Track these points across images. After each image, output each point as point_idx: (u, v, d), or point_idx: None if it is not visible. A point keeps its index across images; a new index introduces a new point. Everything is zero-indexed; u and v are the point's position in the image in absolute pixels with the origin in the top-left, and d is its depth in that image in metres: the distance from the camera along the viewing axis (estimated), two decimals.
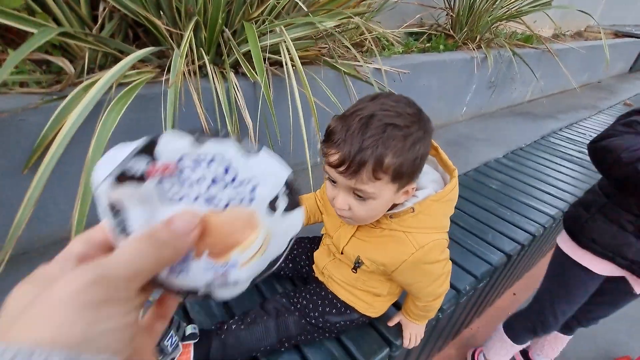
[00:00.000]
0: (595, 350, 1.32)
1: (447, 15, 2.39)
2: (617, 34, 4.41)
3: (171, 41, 1.03)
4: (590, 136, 2.15)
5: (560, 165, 1.74)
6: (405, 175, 0.54)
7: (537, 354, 1.16)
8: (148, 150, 0.19)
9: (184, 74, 0.97)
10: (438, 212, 0.63)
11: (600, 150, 0.75)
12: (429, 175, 0.67)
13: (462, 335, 1.34)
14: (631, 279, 0.85)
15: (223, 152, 0.21)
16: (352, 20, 1.49)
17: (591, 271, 0.87)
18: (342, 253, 0.73)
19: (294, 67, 1.03)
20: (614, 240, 0.80)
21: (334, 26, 1.24)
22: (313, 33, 1.13)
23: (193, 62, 1.02)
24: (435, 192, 0.63)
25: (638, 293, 0.86)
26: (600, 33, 4.51)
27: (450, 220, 0.67)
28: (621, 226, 0.78)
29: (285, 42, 1.03)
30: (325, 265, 0.81)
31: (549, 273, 0.96)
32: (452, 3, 2.24)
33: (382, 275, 0.73)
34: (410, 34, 2.33)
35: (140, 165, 0.19)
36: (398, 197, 0.59)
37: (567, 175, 1.64)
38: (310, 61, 1.28)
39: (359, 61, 1.57)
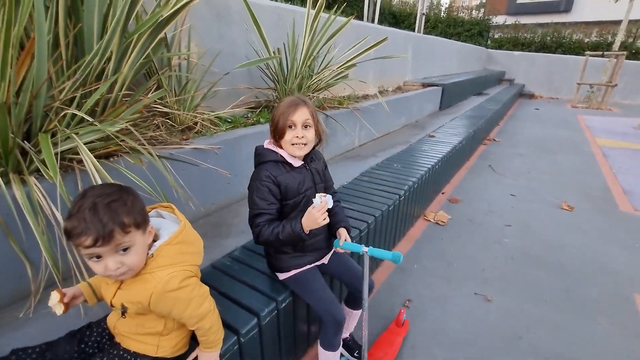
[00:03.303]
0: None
1: (275, 93, 2.96)
2: (424, 85, 5.82)
3: None
4: (397, 165, 2.79)
5: (369, 197, 2.25)
6: (142, 222, 0.81)
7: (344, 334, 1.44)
8: None
9: None
10: (172, 253, 0.87)
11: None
12: (168, 229, 0.92)
13: None
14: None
15: None
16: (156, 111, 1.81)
17: (307, 268, 1.25)
18: (112, 306, 0.90)
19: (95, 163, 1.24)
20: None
21: (131, 122, 1.52)
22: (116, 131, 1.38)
23: None
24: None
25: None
26: (414, 85, 5.89)
27: None
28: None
29: (78, 146, 1.25)
30: (115, 325, 0.96)
31: (300, 293, 1.24)
32: (275, 83, 2.81)
33: (150, 314, 0.92)
34: (252, 108, 2.80)
35: None
36: (146, 237, 0.84)
37: (377, 196, 2.15)
38: (112, 154, 1.52)
39: (179, 144, 1.89)
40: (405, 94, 4.79)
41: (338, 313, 1.19)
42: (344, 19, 3.13)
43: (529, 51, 11.70)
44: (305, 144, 1.14)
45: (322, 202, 1.07)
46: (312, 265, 1.29)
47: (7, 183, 1.23)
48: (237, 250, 1.59)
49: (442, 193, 3.42)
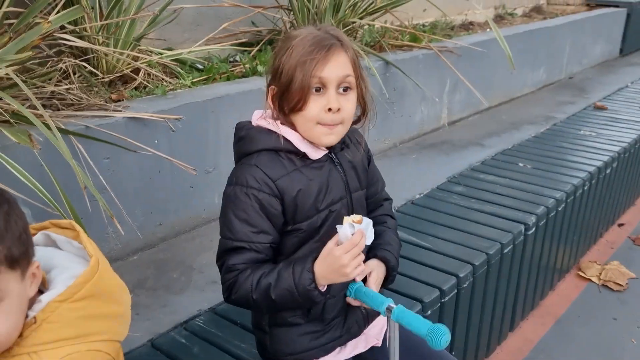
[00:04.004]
0: None
1: (288, 16, 2.98)
2: (590, 4, 5.66)
3: None
4: (523, 165, 2.73)
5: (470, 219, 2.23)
6: (21, 256, 0.83)
7: None
8: None
9: None
10: (70, 316, 0.90)
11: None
12: (66, 271, 0.96)
13: None
14: None
15: None
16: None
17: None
18: None
19: None
20: None
21: (17, 66, 1.60)
22: None
23: None
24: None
25: None
26: (569, 5, 5.76)
27: None
28: None
29: None
30: None
31: None
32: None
33: None
34: (243, 45, 2.85)
35: None
36: (27, 285, 0.87)
37: (480, 224, 2.14)
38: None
39: (104, 108, 1.96)
40: (549, 22, 4.68)
41: None
42: None
43: None
44: (340, 123, 1.17)
45: (354, 234, 1.08)
46: (348, 351, 1.31)
47: None
48: (200, 315, 1.62)
49: (619, 225, 3.36)
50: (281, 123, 1.18)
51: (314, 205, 1.19)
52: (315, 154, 1.20)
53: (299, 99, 1.12)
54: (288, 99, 1.14)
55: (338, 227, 1.09)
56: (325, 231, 1.20)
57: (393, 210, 1.51)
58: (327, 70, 1.11)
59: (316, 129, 1.15)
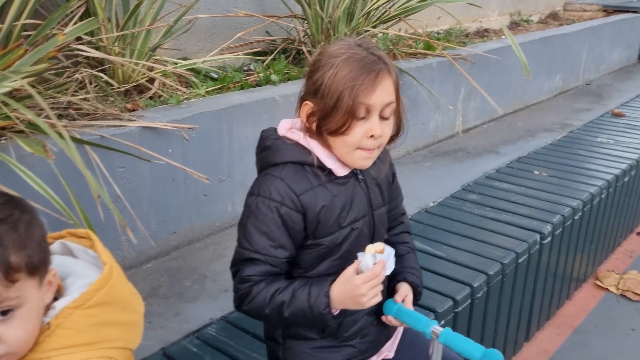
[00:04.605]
0: None
1: (302, 25, 3.00)
2: (608, 10, 5.61)
3: None
4: (539, 172, 2.71)
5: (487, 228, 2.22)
6: (40, 264, 0.85)
7: None
8: None
9: None
10: (83, 323, 0.91)
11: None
12: (81, 278, 0.96)
13: None
14: None
15: None
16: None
17: None
18: None
19: None
20: None
21: (34, 78, 1.62)
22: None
23: None
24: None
25: None
26: (585, 11, 5.71)
27: None
28: None
29: None
30: None
31: None
32: (304, 7, 2.86)
33: None
34: (257, 54, 2.87)
35: None
36: (44, 292, 0.89)
37: (494, 233, 2.14)
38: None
39: (119, 118, 1.98)
40: (565, 29, 4.65)
41: None
42: None
43: None
44: (378, 147, 1.16)
45: (376, 264, 1.08)
46: None
47: None
48: (212, 324, 1.63)
49: (638, 234, 3.33)
50: (309, 137, 1.16)
51: (337, 221, 1.18)
52: (341, 171, 1.18)
53: (342, 124, 1.10)
54: (330, 123, 1.11)
55: (359, 255, 1.10)
56: (346, 248, 1.20)
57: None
58: (375, 97, 1.09)
59: (355, 153, 1.14)
